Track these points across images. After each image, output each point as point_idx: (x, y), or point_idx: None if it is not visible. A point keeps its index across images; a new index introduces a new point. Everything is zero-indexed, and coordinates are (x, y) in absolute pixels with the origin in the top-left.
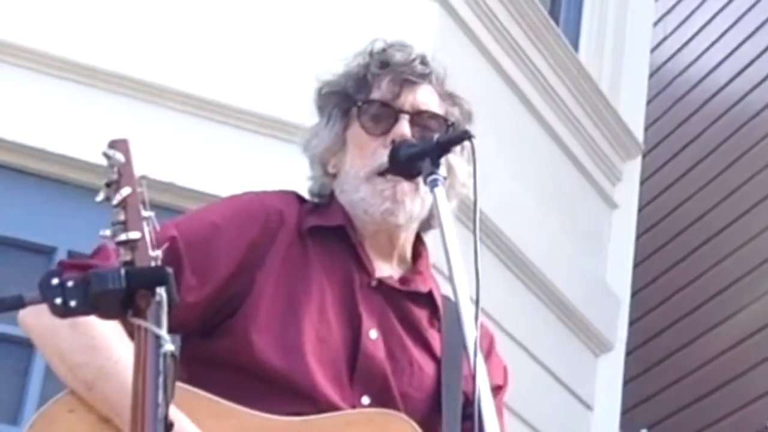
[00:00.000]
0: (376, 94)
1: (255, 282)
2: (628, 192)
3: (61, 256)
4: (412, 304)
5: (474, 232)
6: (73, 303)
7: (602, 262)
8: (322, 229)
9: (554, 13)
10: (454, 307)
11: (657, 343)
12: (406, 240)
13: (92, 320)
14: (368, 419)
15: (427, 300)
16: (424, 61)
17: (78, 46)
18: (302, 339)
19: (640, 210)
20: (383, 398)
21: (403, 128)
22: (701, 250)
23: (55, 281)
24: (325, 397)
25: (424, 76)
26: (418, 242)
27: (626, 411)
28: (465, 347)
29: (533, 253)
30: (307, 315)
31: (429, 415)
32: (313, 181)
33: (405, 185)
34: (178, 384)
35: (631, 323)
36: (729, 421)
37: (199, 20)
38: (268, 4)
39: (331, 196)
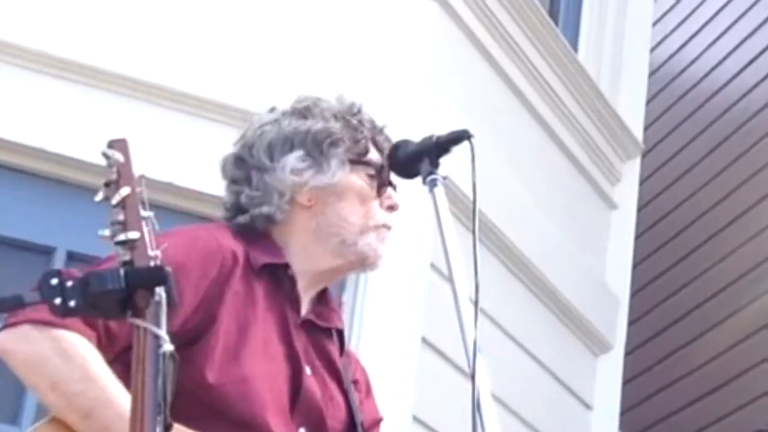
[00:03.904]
0: (375, 156)
1: (216, 317)
2: (627, 192)
3: (60, 256)
4: (326, 339)
5: (473, 233)
6: (72, 303)
7: (602, 262)
8: (269, 266)
9: (553, 12)
10: (341, 335)
11: (656, 343)
12: None
13: (80, 350)
14: None
15: (338, 334)
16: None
17: (77, 46)
18: (254, 373)
19: (639, 210)
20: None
21: (395, 198)
22: (701, 250)
23: (54, 281)
24: (273, 430)
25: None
26: None
27: (626, 411)
28: (352, 378)
29: (532, 253)
30: (256, 349)
31: None
32: (274, 209)
33: None
34: None
35: (631, 323)
36: (728, 422)
37: (199, 20)
38: (269, 5)
39: (265, 228)
